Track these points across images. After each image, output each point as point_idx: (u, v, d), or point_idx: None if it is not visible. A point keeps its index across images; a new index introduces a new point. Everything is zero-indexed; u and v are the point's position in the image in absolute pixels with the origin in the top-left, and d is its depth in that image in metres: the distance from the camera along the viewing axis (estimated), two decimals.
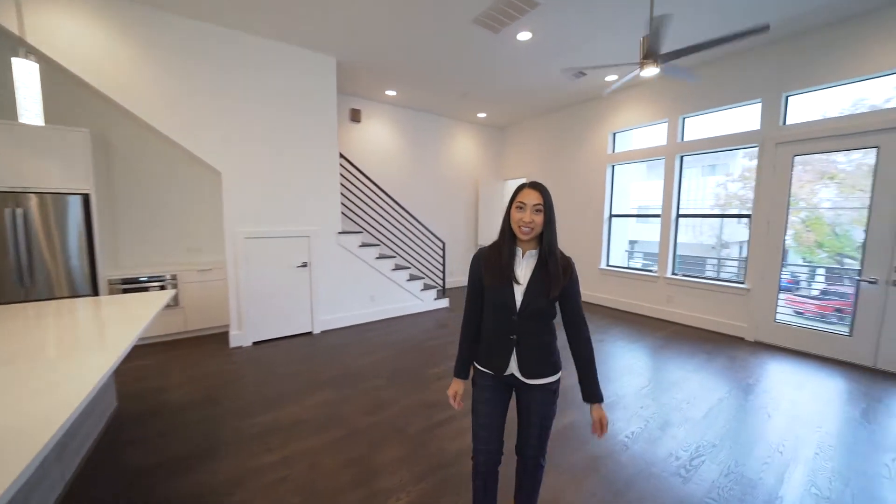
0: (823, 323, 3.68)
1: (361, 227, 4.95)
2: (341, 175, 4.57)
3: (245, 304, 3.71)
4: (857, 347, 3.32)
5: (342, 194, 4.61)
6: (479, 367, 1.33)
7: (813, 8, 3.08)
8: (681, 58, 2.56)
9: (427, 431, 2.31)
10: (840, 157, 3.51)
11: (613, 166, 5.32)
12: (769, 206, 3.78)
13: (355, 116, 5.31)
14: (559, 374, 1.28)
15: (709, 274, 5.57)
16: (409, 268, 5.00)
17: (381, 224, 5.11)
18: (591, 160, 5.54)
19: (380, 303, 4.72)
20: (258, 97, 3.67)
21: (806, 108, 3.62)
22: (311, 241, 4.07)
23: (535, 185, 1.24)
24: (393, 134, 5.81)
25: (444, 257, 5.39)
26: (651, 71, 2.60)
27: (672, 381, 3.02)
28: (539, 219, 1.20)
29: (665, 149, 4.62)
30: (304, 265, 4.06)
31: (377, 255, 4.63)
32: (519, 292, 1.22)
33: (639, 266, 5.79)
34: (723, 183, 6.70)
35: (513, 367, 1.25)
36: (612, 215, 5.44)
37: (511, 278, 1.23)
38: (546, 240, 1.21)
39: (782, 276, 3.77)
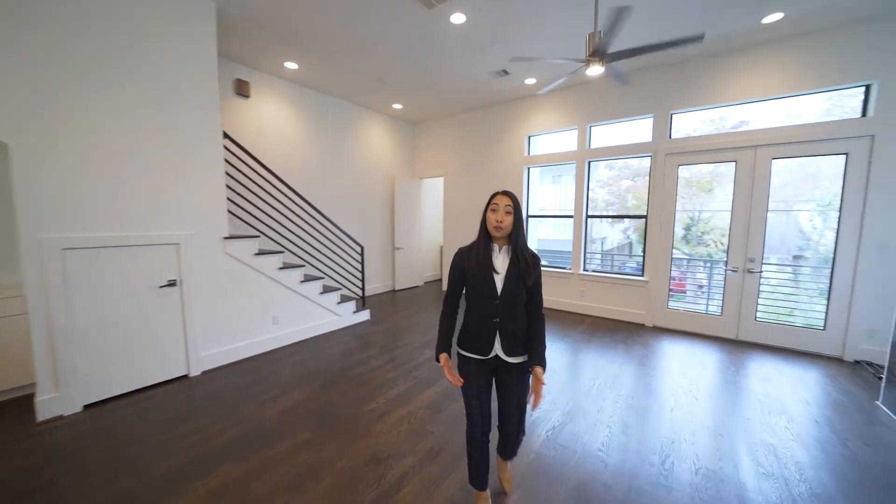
0: (694, 304, 4.42)
1: (258, 230, 3.91)
2: (228, 162, 3.49)
3: (65, 350, 2.44)
4: (725, 324, 4.06)
5: (230, 187, 3.54)
6: (465, 353, 1.53)
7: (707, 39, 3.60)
8: (619, 60, 2.59)
9: (384, 500, 1.76)
10: (713, 167, 4.23)
11: (529, 168, 5.50)
12: (660, 208, 4.35)
13: (242, 90, 4.19)
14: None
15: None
16: (321, 278, 4.18)
17: (284, 227, 4.13)
18: (508, 161, 5.63)
19: (285, 324, 3.80)
20: (81, 27, 2.43)
21: (687, 124, 4.28)
22: (181, 249, 2.96)
23: (506, 193, 1.47)
24: (294, 117, 4.83)
25: (362, 263, 4.71)
26: (596, 70, 2.58)
27: (611, 377, 3.12)
28: (509, 219, 1.43)
29: (576, 154, 4.95)
30: (173, 284, 2.93)
31: (280, 265, 3.70)
32: (499, 280, 1.45)
33: (545, 263, 6.15)
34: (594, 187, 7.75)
35: (497, 349, 1.47)
36: (528, 216, 5.62)
37: (491, 268, 1.45)
38: (515, 236, 1.45)
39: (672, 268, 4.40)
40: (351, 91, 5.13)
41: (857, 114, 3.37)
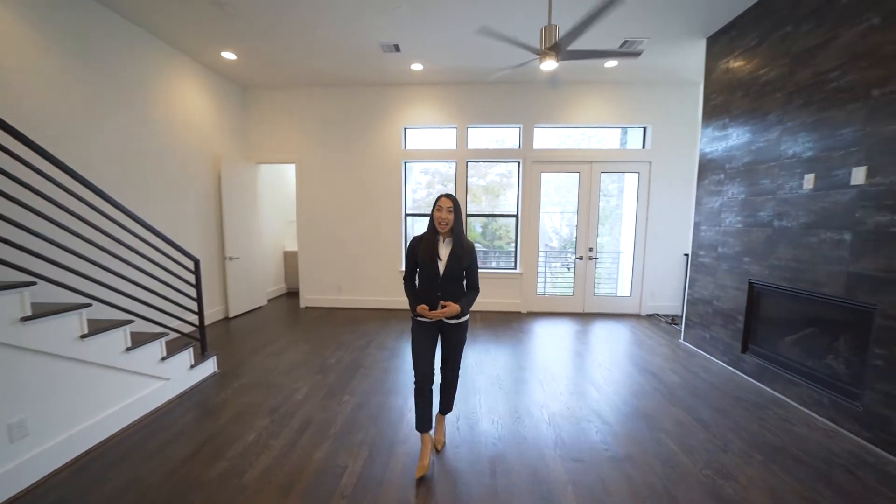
0: (563, 289, 5.36)
1: None
2: None
3: None
4: (576, 301, 5.09)
5: None
6: (417, 318, 1.93)
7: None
8: (570, 59, 2.66)
9: None
10: (566, 176, 5.15)
11: (406, 162, 5.09)
12: (529, 209, 4.96)
13: None
14: (467, 316, 1.96)
15: None
16: (129, 323, 2.32)
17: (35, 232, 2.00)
18: (384, 153, 5.01)
19: (42, 433, 1.87)
20: None
21: (547, 137, 5.04)
22: None
23: (448, 196, 1.84)
24: (30, 30, 2.48)
25: (198, 286, 2.98)
26: (549, 64, 2.55)
27: (540, 367, 3.27)
28: (451, 216, 1.82)
29: (456, 153, 4.95)
30: None
31: (24, 316, 1.77)
32: (442, 265, 1.84)
33: None
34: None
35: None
36: (407, 214, 5.22)
37: (437, 255, 1.84)
38: (457, 230, 1.85)
39: (539, 260, 5.12)
40: (159, 16, 3.16)
41: (643, 146, 4.92)
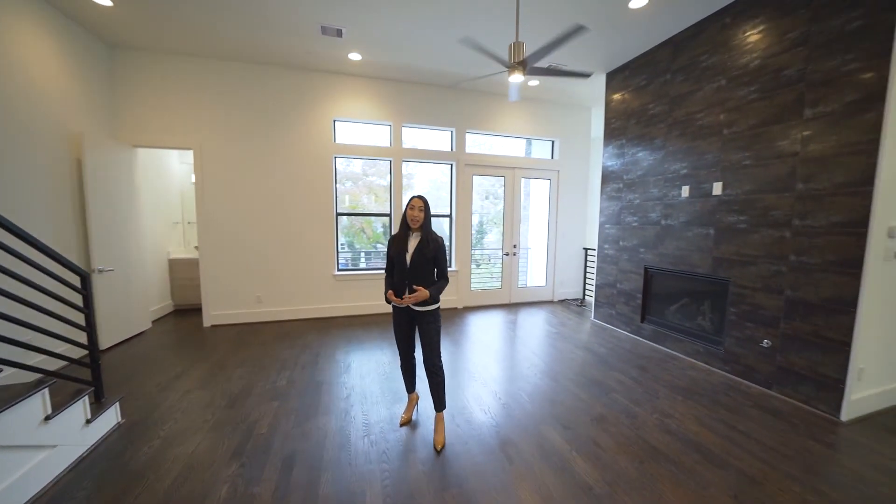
0: (491, 283, 5.78)
1: None
2: None
3: None
4: (504, 293, 5.62)
5: None
6: (392, 305, 2.19)
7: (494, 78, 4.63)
8: (534, 75, 2.95)
9: None
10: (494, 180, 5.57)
11: (336, 157, 4.71)
12: (462, 209, 5.23)
13: None
14: (437, 304, 2.17)
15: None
16: None
17: None
18: (312, 146, 4.53)
19: None
20: None
21: (478, 142, 5.36)
22: None
23: (419, 197, 2.12)
24: None
25: (88, 308, 2.17)
26: (517, 78, 2.79)
27: (501, 355, 3.55)
28: (421, 215, 2.08)
29: (391, 151, 4.84)
30: None
31: None
32: (409, 257, 2.09)
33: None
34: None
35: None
36: (339, 213, 4.84)
37: (405, 250, 2.11)
38: (426, 227, 2.11)
39: (473, 258, 5.44)
40: None
41: (551, 157, 5.74)
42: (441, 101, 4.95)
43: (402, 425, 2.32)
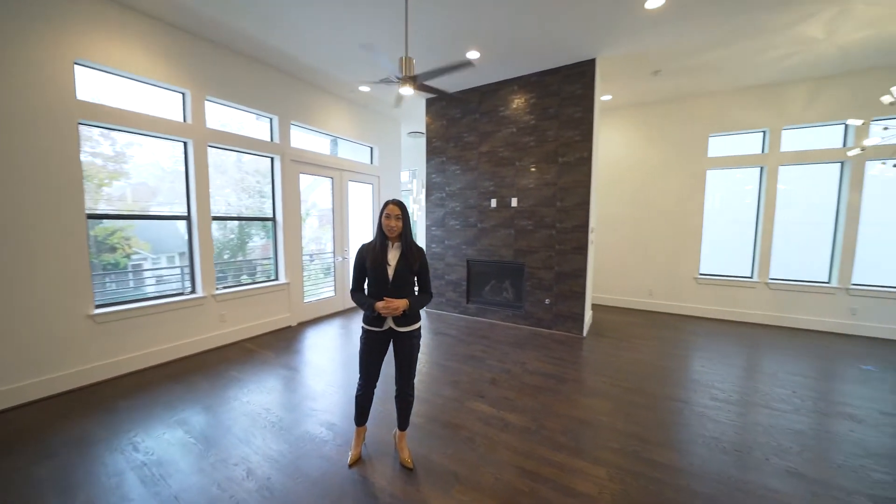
0: (326, 293, 5.25)
1: None
2: None
3: None
4: (339, 301, 5.36)
5: None
6: (365, 326, 1.94)
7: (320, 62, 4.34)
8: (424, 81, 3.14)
9: None
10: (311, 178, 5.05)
11: (83, 124, 2.91)
12: (290, 212, 4.55)
13: None
14: (419, 324, 1.97)
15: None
16: None
17: None
18: (32, 99, 2.57)
19: None
20: None
21: (306, 139, 4.72)
22: None
23: (396, 203, 1.87)
24: None
25: None
26: (407, 91, 2.94)
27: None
28: (399, 223, 1.85)
29: (191, 129, 3.52)
30: None
31: None
32: (391, 270, 1.86)
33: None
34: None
35: (389, 322, 1.90)
36: (95, 215, 3.01)
37: (385, 262, 1.87)
38: (405, 236, 1.88)
39: (304, 266, 4.82)
40: None
41: (371, 162, 5.95)
42: (261, 81, 4.07)
43: (351, 465, 2.01)
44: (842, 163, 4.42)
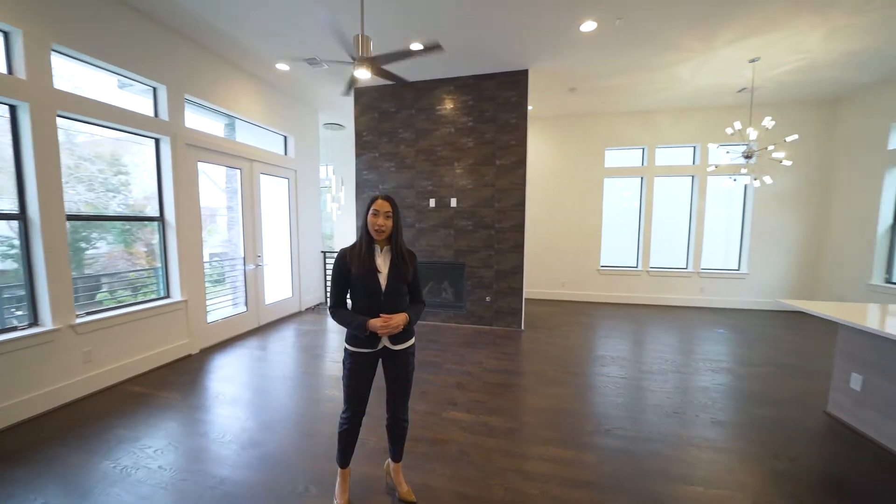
0: (232, 309, 4.27)
1: None
2: None
3: None
4: (252, 317, 4.49)
5: None
6: (351, 348, 1.60)
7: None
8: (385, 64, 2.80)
9: None
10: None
11: None
12: (187, 211, 3.60)
13: None
14: (413, 338, 1.70)
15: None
16: None
17: None
18: None
19: None
20: None
21: (202, 122, 3.74)
22: None
23: (386, 198, 1.56)
24: None
25: None
26: (363, 73, 2.60)
27: (316, 394, 3.15)
28: (389, 223, 1.55)
29: (25, 86, 2.43)
30: None
31: None
32: (382, 278, 1.56)
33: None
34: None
35: (384, 340, 1.60)
36: None
37: (374, 268, 1.56)
38: (396, 238, 1.58)
39: (207, 277, 3.86)
40: None
41: (285, 153, 5.15)
42: (140, 32, 3.09)
43: None
44: (693, 176, 5.77)
